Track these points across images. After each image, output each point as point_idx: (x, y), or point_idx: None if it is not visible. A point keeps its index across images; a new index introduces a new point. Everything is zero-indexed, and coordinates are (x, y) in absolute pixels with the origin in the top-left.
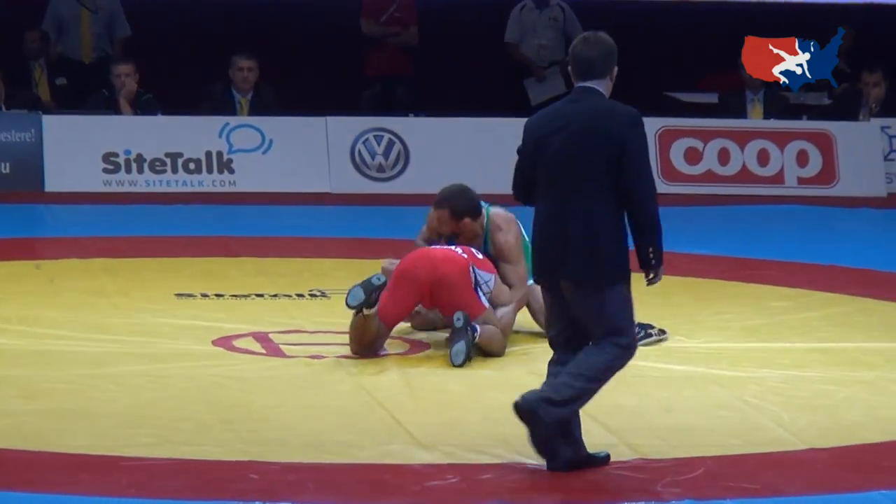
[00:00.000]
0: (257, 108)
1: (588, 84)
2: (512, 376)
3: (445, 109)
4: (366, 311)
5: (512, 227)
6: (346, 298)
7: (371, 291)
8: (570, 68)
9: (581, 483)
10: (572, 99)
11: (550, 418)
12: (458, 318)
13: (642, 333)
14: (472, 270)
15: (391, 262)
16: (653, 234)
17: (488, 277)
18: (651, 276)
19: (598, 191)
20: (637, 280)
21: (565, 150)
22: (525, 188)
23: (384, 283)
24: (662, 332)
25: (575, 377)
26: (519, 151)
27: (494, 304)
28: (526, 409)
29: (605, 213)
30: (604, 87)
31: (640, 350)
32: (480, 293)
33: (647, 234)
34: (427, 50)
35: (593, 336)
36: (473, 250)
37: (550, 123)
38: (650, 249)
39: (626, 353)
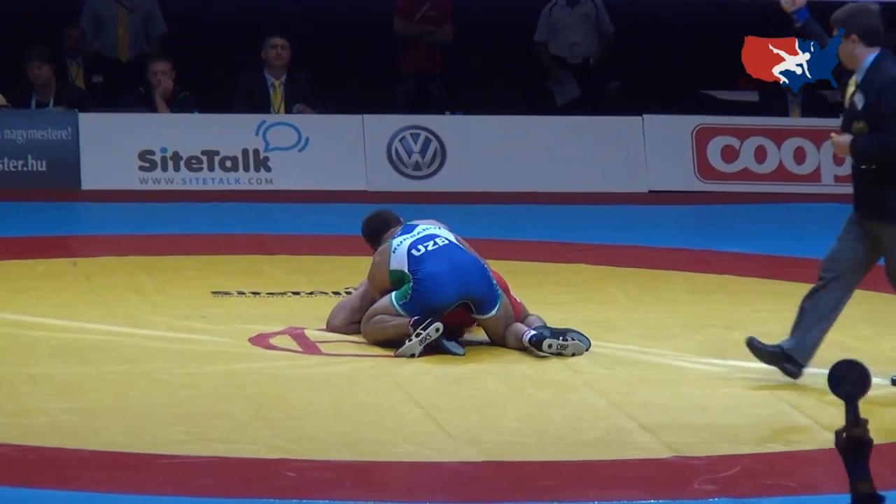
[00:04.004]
0: (291, 94)
1: None
2: (549, 372)
3: (481, 107)
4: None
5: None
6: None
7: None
8: None
9: (617, 480)
10: None
11: None
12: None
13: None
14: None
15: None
16: None
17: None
18: None
19: None
20: (665, 279)
21: None
22: None
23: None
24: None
25: None
26: None
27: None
28: None
29: None
30: None
31: (676, 348)
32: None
33: None
34: (462, 47)
35: None
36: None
37: None
38: None
39: None
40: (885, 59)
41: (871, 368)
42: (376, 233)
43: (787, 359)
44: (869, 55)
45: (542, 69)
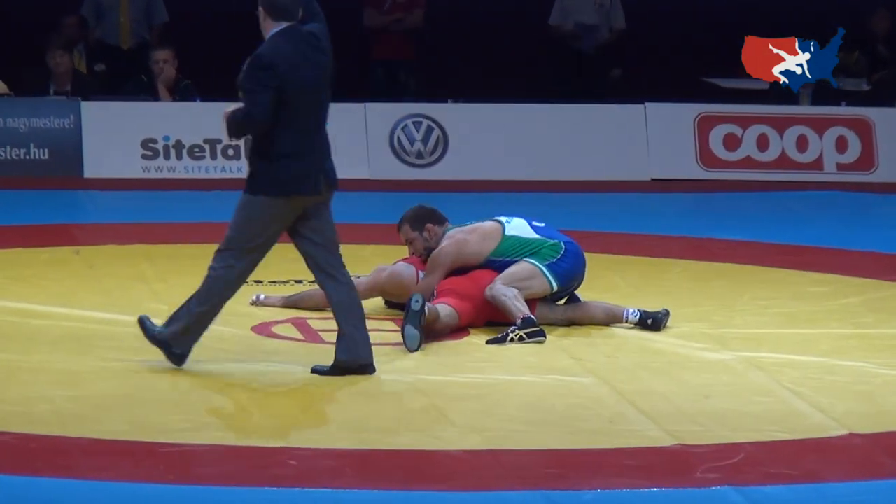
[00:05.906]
0: None
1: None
2: (550, 360)
3: (469, 94)
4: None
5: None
6: (406, 343)
7: (419, 322)
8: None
9: (620, 468)
10: (303, 38)
11: None
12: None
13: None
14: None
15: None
16: None
17: None
18: None
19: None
20: (667, 267)
21: (319, 83)
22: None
23: (423, 305)
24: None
25: None
26: (272, 77)
27: None
28: None
29: None
30: None
31: (678, 335)
32: None
33: None
34: (442, 34)
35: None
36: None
37: (302, 58)
38: None
39: None
40: (277, 36)
41: (879, 353)
42: (427, 217)
43: (170, 346)
44: (272, 29)
45: (538, 54)
